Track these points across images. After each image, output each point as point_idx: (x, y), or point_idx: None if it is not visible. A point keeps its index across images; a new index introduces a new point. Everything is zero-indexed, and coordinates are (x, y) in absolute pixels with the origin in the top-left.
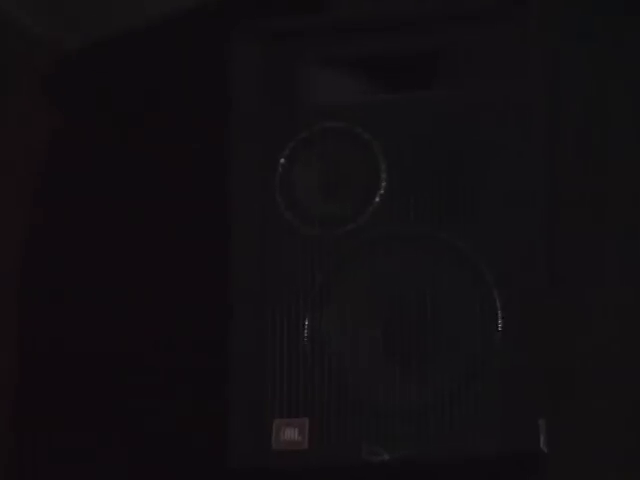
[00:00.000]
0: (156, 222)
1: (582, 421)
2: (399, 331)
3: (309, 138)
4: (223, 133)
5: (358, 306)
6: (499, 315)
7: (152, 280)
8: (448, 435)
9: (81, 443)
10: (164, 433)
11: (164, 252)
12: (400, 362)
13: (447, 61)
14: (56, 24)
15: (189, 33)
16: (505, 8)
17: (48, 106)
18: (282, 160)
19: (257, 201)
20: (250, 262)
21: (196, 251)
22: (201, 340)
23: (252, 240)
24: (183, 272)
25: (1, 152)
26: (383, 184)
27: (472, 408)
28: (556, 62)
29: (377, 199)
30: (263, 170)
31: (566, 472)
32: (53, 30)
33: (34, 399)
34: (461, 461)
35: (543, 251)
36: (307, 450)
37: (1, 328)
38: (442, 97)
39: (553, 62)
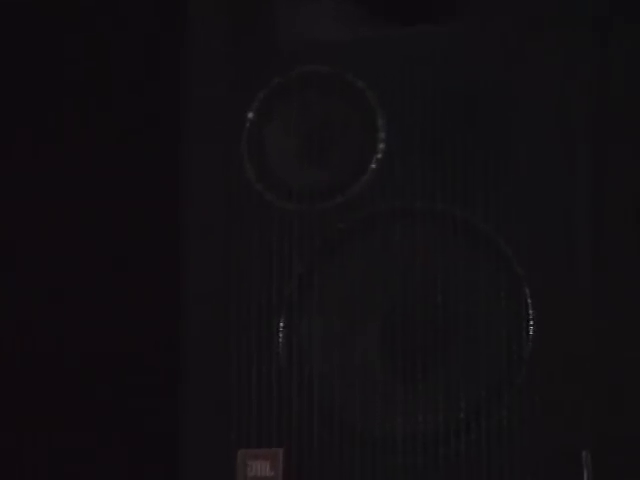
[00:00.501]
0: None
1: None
2: (402, 337)
3: (285, 86)
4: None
5: (348, 304)
6: (531, 316)
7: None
8: (465, 474)
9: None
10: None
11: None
12: (403, 378)
13: None
14: None
15: None
16: None
17: None
18: (250, 115)
19: (218, 170)
20: (208, 249)
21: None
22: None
23: (211, 221)
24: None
25: None
26: (381, 146)
27: (496, 438)
28: None
29: (373, 165)
30: (226, 129)
31: None
32: None
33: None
34: None
35: (586, 241)
36: None
37: None
38: (455, 33)
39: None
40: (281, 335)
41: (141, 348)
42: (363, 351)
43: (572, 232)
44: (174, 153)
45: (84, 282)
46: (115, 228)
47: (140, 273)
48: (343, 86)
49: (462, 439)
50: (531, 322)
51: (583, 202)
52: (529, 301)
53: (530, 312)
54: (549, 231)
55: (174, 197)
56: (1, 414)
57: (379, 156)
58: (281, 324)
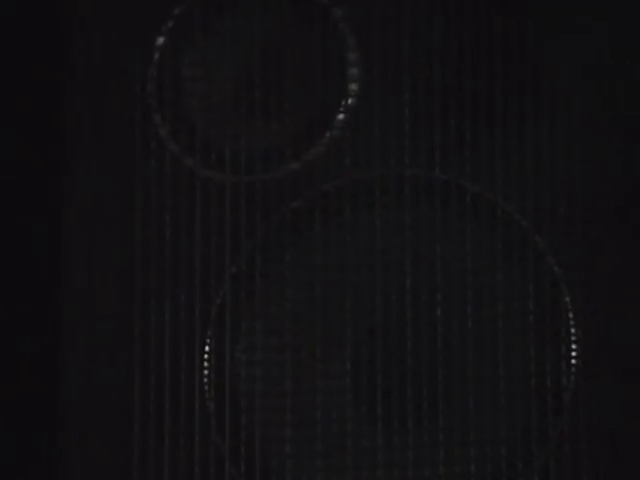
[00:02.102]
0: None
1: None
2: (383, 369)
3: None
4: None
5: (304, 319)
6: (573, 337)
7: None
8: None
9: None
10: None
11: None
12: (385, 429)
13: None
14: None
15: None
16: None
17: None
18: (160, 41)
19: (119, 126)
20: (96, 238)
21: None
22: None
23: (101, 202)
24: None
25: None
26: (352, 87)
27: None
28: None
29: (340, 117)
30: (125, 64)
31: None
32: None
33: None
34: None
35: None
36: None
37: None
38: None
39: None
40: (207, 365)
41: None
42: (326, 392)
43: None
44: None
45: None
46: None
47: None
48: (298, 3)
49: None
50: (574, 345)
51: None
52: (571, 315)
53: (572, 330)
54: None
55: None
56: None
57: (349, 102)
58: (207, 349)
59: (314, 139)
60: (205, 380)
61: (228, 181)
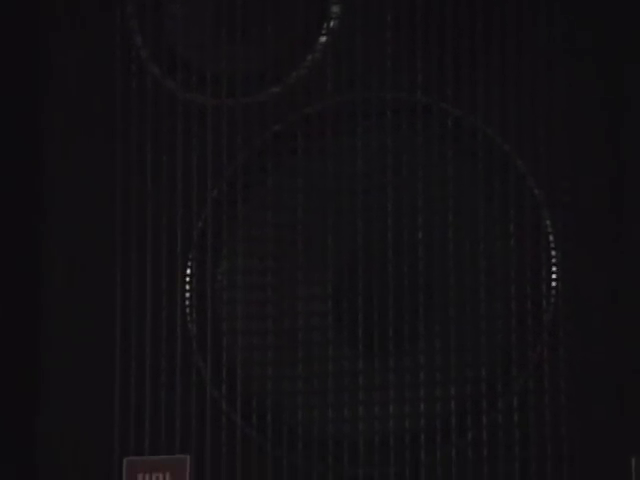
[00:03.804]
0: None
1: None
2: (364, 294)
3: None
4: None
5: (286, 244)
6: (554, 259)
7: None
8: None
9: None
10: None
11: None
12: (365, 355)
13: None
14: None
15: None
16: None
17: None
18: None
19: (95, 49)
20: (81, 164)
21: None
22: None
23: (82, 125)
24: None
25: None
26: (334, 10)
27: (503, 438)
28: None
29: (323, 39)
30: None
31: None
32: None
33: None
34: None
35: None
36: None
37: None
38: None
39: None
40: (188, 288)
41: None
42: (308, 315)
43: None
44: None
45: None
46: None
47: None
48: None
49: (453, 442)
50: (554, 268)
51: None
52: (551, 238)
53: (553, 253)
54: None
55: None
56: None
57: (331, 25)
58: (188, 272)
59: (296, 62)
60: (187, 303)
61: (209, 104)
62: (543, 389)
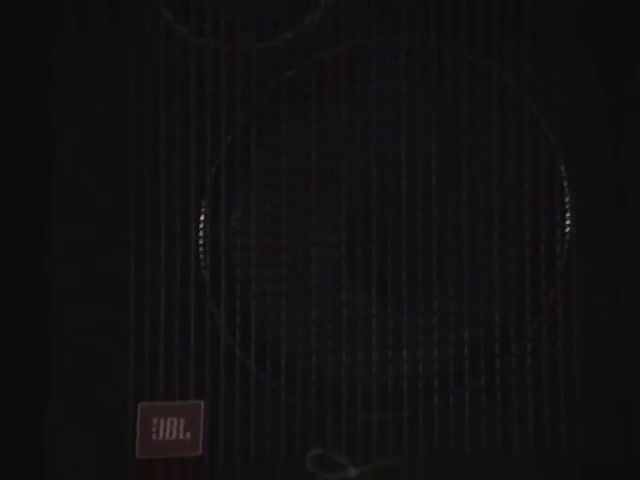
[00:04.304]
0: None
1: None
2: (378, 240)
3: None
4: None
5: (299, 189)
6: (568, 206)
7: None
8: (469, 432)
9: None
10: None
11: None
12: (379, 300)
13: None
14: None
15: None
16: None
17: None
18: None
19: None
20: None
21: None
22: None
23: (94, 72)
24: None
25: None
26: None
27: (515, 383)
28: None
29: None
30: None
31: None
32: None
33: None
34: None
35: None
36: (200, 461)
37: None
38: None
39: None
40: (202, 235)
41: None
42: (321, 262)
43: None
44: None
45: None
46: None
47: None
48: None
49: (466, 386)
50: (568, 214)
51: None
52: (565, 183)
53: (567, 199)
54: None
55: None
56: None
57: None
58: (202, 218)
59: (309, 6)
60: (200, 250)
61: (223, 50)
62: (556, 334)
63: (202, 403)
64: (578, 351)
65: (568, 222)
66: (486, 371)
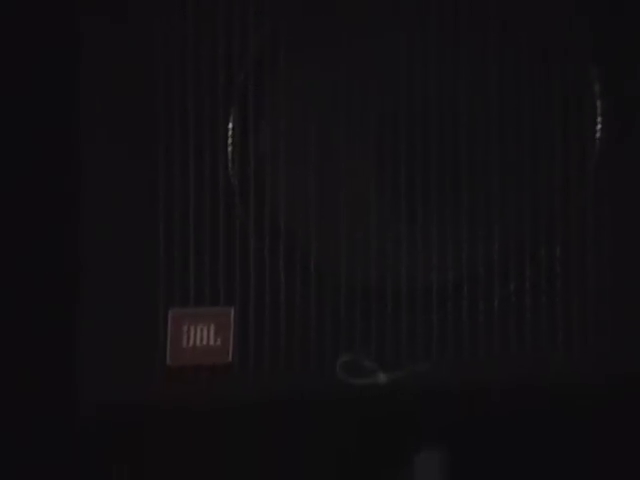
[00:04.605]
0: None
1: None
2: (407, 147)
3: None
4: None
5: (329, 98)
6: (599, 119)
7: None
8: (498, 333)
9: None
10: None
11: None
12: (409, 205)
13: None
14: None
15: None
16: None
17: None
18: None
19: None
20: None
21: None
22: None
23: None
24: None
25: None
26: None
27: (544, 287)
28: None
29: None
30: None
31: None
32: None
33: None
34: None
35: None
36: (230, 367)
37: None
38: None
39: None
40: (231, 142)
41: None
42: (351, 168)
43: None
44: None
45: None
46: None
47: None
48: None
49: (496, 289)
50: (599, 118)
51: None
52: (599, 102)
53: (598, 103)
54: None
55: None
56: None
57: None
58: (230, 126)
59: None
60: (229, 157)
61: None
62: (586, 240)
63: (232, 309)
64: (609, 257)
65: (599, 127)
66: (515, 277)
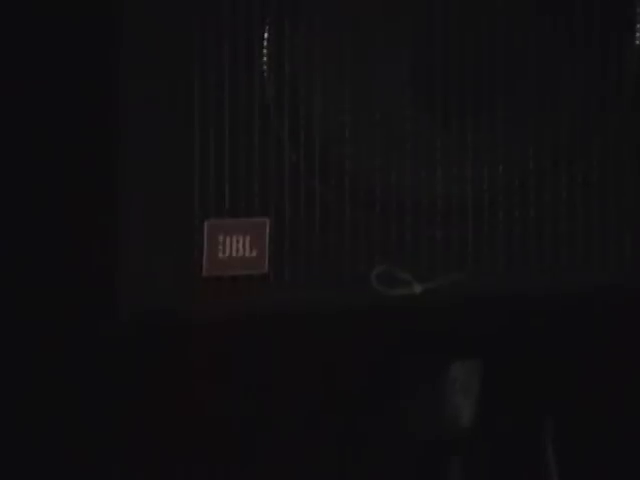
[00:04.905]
0: None
1: None
2: (443, 55)
3: None
4: None
5: (367, 10)
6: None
7: None
8: (534, 244)
9: None
10: None
11: None
12: (445, 115)
13: None
14: None
15: None
16: None
17: None
18: None
19: None
20: None
21: None
22: None
23: None
24: None
25: None
26: None
27: (579, 194)
28: None
29: None
30: None
31: None
32: None
33: None
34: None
35: None
36: (266, 278)
37: None
38: None
39: None
40: (266, 52)
41: None
42: (386, 80)
43: None
44: None
45: None
46: None
47: None
48: None
49: (531, 199)
50: (638, 25)
51: None
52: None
53: (638, 10)
54: None
55: None
56: None
57: None
58: (266, 36)
59: None
60: (264, 69)
61: None
62: (623, 150)
63: (267, 220)
64: None
65: (638, 34)
66: (551, 186)
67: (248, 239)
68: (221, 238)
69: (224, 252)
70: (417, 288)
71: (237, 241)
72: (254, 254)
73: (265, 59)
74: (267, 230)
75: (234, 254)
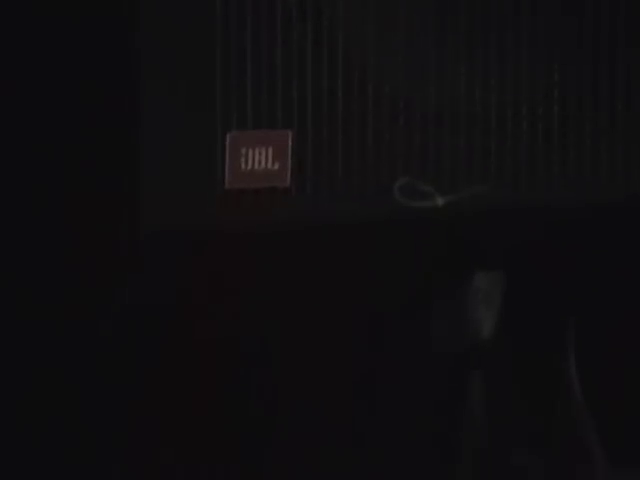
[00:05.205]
0: None
1: None
2: None
3: None
4: None
5: None
6: None
7: None
8: (554, 165)
9: None
10: None
11: None
12: (468, 32)
13: None
14: None
15: None
16: None
17: None
18: None
19: None
20: None
21: None
22: None
23: None
24: None
25: None
26: None
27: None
28: None
29: None
30: None
31: None
32: None
33: None
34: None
35: None
36: (288, 191)
37: None
38: None
39: None
40: None
41: None
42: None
43: None
44: None
45: None
46: None
47: None
48: None
49: (555, 111)
50: None
51: None
52: None
53: None
54: None
55: None
56: None
57: None
58: None
59: None
60: None
61: None
62: None
63: (290, 132)
64: None
65: None
66: (575, 101)
67: (271, 151)
68: (243, 150)
69: (246, 164)
70: (439, 200)
71: (259, 153)
72: (276, 167)
73: None
74: (289, 142)
75: (256, 167)
